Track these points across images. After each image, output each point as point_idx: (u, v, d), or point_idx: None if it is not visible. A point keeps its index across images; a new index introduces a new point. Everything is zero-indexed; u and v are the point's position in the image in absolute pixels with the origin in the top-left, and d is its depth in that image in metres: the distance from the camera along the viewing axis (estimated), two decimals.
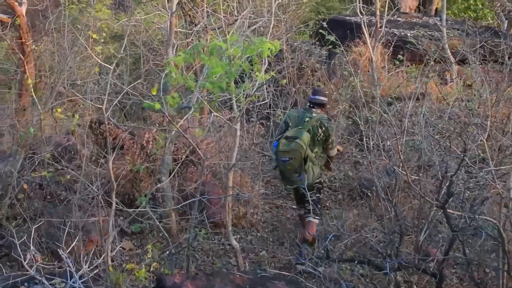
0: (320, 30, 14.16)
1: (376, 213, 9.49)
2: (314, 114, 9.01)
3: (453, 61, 14.72)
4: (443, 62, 14.50)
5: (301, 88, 13.40)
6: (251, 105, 9.76)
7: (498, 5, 21.24)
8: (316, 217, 8.99)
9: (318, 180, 9.11)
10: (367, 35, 12.34)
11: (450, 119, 8.15)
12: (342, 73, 13.85)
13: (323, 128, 8.94)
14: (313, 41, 16.77)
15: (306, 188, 7.84)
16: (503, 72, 11.73)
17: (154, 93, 6.64)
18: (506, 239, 6.44)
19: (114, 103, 7.63)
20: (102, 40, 13.03)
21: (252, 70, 7.02)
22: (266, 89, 11.69)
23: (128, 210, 7.83)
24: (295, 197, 9.53)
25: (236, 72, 6.65)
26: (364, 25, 12.29)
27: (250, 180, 10.67)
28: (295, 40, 16.58)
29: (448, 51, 14.85)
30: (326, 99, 9.38)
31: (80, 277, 5.56)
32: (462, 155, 6.19)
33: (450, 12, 20.97)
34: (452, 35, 15.98)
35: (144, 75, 14.11)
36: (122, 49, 8.69)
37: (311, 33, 17.20)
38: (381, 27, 12.60)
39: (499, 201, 6.82)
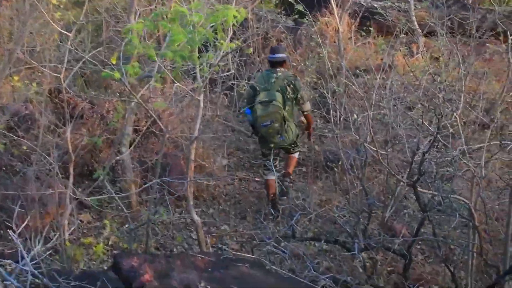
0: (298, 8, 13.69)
1: (341, 187, 9.31)
2: (279, 74, 9.14)
3: (420, 34, 14.49)
4: (411, 34, 14.28)
5: (266, 58, 13.11)
6: (215, 76, 9.43)
7: None
8: (296, 152, 9.61)
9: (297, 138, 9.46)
10: (334, 5, 12.03)
11: (425, 95, 7.90)
12: (309, 43, 13.56)
13: (291, 86, 9.07)
14: (279, 10, 16.42)
15: (286, 146, 9.25)
16: (470, 45, 11.58)
17: (114, 62, 6.31)
18: (477, 219, 6.24)
19: (73, 72, 7.31)
20: (62, 6, 12.59)
21: (216, 39, 6.71)
22: (231, 59, 11.41)
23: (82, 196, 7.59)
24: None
25: (200, 40, 6.35)
26: None
27: (213, 151, 10.40)
28: (260, 9, 16.20)
29: (415, 23, 14.61)
30: (285, 55, 9.58)
31: (34, 258, 5.26)
32: (435, 132, 5.95)
33: None
34: (419, 7, 15.71)
35: (106, 42, 13.71)
36: (83, 15, 8.32)
37: (276, 2, 16.80)
38: None
39: (470, 179, 6.63)
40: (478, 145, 6.74)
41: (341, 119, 9.03)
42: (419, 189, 6.17)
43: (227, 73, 8.51)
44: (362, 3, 15.25)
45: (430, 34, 14.34)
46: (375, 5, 15.75)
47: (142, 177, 9.31)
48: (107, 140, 9.58)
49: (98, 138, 7.99)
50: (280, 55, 9.31)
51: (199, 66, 6.69)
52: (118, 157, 8.39)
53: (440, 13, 13.84)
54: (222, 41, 6.59)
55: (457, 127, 6.53)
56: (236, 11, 6.36)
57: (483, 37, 12.54)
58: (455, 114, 6.42)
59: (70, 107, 9.62)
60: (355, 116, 7.57)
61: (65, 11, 13.38)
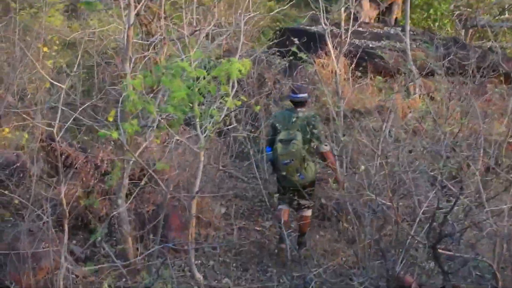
0: (294, 50, 13.08)
1: (346, 237, 8.92)
2: (300, 113, 8.96)
3: (416, 75, 14.18)
4: (409, 75, 13.98)
5: (262, 101, 12.75)
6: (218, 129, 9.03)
7: (456, 13, 20.93)
8: (309, 209, 9.12)
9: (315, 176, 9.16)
10: (331, 47, 11.67)
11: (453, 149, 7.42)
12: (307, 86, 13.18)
13: (311, 126, 8.85)
14: (274, 51, 15.95)
15: (305, 185, 8.81)
16: (471, 85, 11.31)
17: (111, 120, 5.89)
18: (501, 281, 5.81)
19: (66, 126, 6.90)
20: (54, 53, 12.24)
21: (220, 92, 6.33)
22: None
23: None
24: (286, 196, 9.10)
25: (201, 94, 5.96)
26: (328, 36, 11.62)
27: (211, 199, 9.94)
28: (253, 50, 15.81)
29: (412, 63, 14.30)
30: (307, 95, 9.24)
31: None
32: (458, 193, 5.54)
33: (410, 21, 20.31)
34: (415, 46, 15.42)
35: (97, 86, 13.38)
36: (76, 67, 7.94)
37: (270, 43, 16.24)
38: (346, 38, 11.90)
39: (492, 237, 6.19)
40: (506, 206, 6.22)
41: (347, 169, 8.64)
42: (440, 250, 5.74)
43: (229, 126, 8.11)
44: (358, 43, 14.93)
45: (428, 74, 14.04)
46: (371, 45, 15.45)
47: (139, 228, 8.90)
48: (102, 190, 9.16)
49: (95, 200, 7.51)
50: (302, 95, 9.08)
51: (201, 120, 6.29)
52: (114, 213, 7.97)
53: (439, 53, 13.57)
54: (227, 98, 6.17)
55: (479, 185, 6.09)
56: (240, 63, 5.95)
57: (485, 77, 12.25)
58: (476, 173, 6.00)
59: (63, 156, 9.22)
60: (363, 167, 7.19)
61: (56, 54, 13.06)
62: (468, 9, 20.98)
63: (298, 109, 9.03)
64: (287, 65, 14.78)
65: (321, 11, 11.56)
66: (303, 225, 9.22)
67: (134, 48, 11.74)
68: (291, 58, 14.29)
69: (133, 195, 8.22)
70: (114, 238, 9.01)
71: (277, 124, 8.99)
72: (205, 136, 6.40)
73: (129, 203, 8.27)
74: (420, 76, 13.76)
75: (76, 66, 7.82)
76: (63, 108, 6.70)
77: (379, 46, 15.50)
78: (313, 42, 14.12)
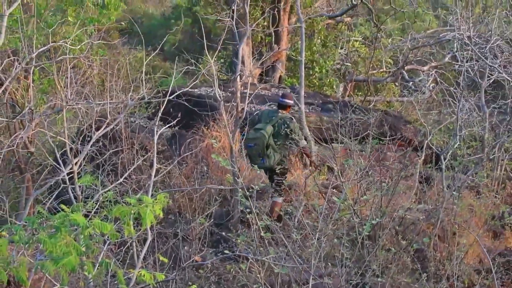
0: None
1: None
2: (279, 114, 10.40)
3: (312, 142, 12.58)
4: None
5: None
6: None
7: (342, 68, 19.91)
8: (279, 197, 10.37)
9: (280, 166, 10.24)
10: (226, 120, 9.79)
11: None
12: (198, 159, 11.23)
13: (285, 125, 10.20)
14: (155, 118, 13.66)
15: (269, 170, 10.38)
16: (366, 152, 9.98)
17: None
18: None
19: None
20: None
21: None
22: None
23: None
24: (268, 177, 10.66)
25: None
26: (222, 107, 9.75)
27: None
28: (132, 115, 13.65)
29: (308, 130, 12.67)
30: (291, 101, 10.77)
31: None
32: None
33: (295, 80, 18.60)
34: (307, 110, 13.72)
35: None
36: None
37: (152, 110, 13.89)
38: (242, 108, 10.05)
39: None
40: None
41: None
42: None
43: None
44: (247, 109, 13.15)
45: (325, 141, 12.48)
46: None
47: None
48: None
49: None
50: (286, 101, 10.57)
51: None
52: None
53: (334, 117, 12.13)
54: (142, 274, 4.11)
55: None
56: (157, 204, 3.94)
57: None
58: None
59: None
60: None
61: None
62: (349, 64, 19.90)
63: (279, 111, 10.44)
64: (171, 134, 12.74)
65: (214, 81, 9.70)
66: (270, 210, 10.18)
67: None
68: (177, 128, 12.37)
69: None
70: None
71: (261, 118, 10.41)
72: None
73: None
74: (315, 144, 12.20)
75: None
76: None
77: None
78: (201, 107, 12.29)
